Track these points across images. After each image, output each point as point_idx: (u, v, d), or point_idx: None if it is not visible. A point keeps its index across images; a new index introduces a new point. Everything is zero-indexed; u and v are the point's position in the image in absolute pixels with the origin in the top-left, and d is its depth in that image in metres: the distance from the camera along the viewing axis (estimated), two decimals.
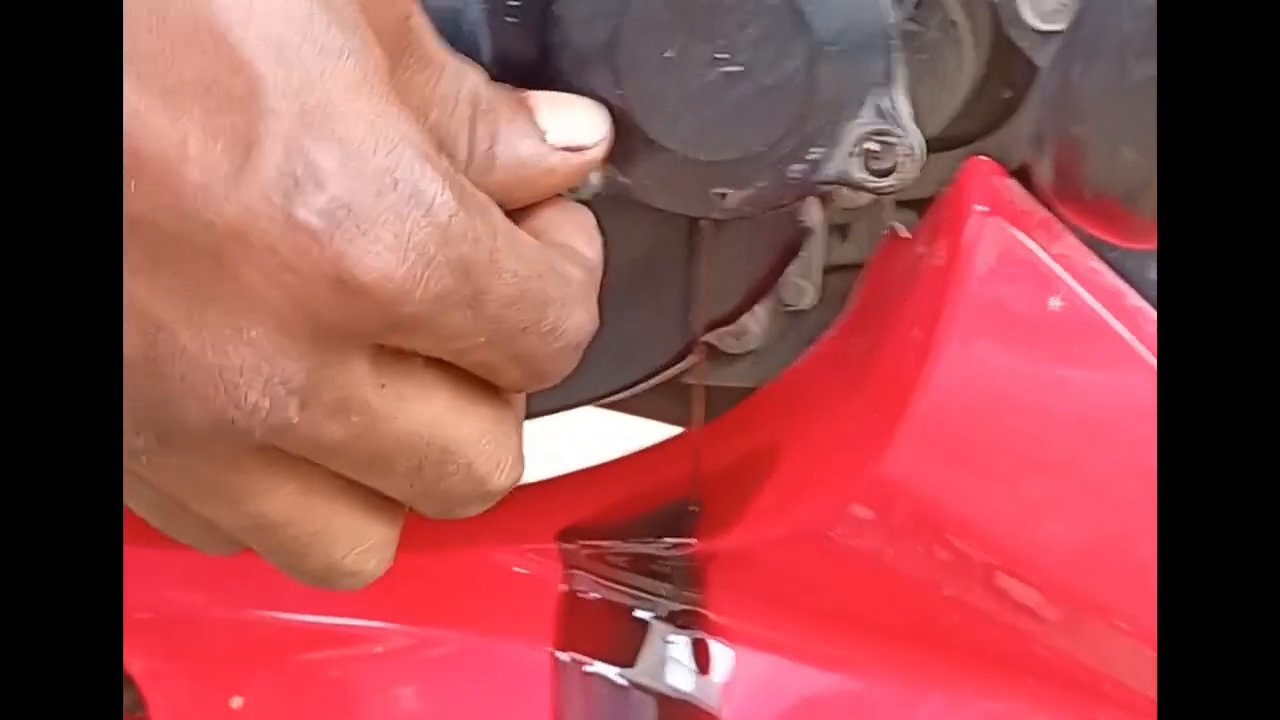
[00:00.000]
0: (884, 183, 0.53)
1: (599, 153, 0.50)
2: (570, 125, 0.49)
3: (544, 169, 0.48)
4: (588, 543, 0.61)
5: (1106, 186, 0.38)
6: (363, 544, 0.46)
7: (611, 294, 0.51)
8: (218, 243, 0.40)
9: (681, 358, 0.59)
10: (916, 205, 0.65)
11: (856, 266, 0.67)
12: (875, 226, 0.67)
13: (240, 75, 0.40)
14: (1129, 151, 0.37)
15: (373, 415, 0.43)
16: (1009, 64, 0.57)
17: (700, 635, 0.60)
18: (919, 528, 0.55)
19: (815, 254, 0.63)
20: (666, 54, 0.51)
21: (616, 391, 0.59)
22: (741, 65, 0.51)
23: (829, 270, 0.66)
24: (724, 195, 0.53)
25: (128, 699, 0.62)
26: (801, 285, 0.62)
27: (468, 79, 0.48)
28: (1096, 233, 0.42)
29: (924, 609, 0.57)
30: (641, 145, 0.52)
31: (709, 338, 0.60)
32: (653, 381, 0.59)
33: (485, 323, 0.43)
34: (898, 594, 0.57)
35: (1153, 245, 0.45)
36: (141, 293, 0.41)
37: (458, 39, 0.53)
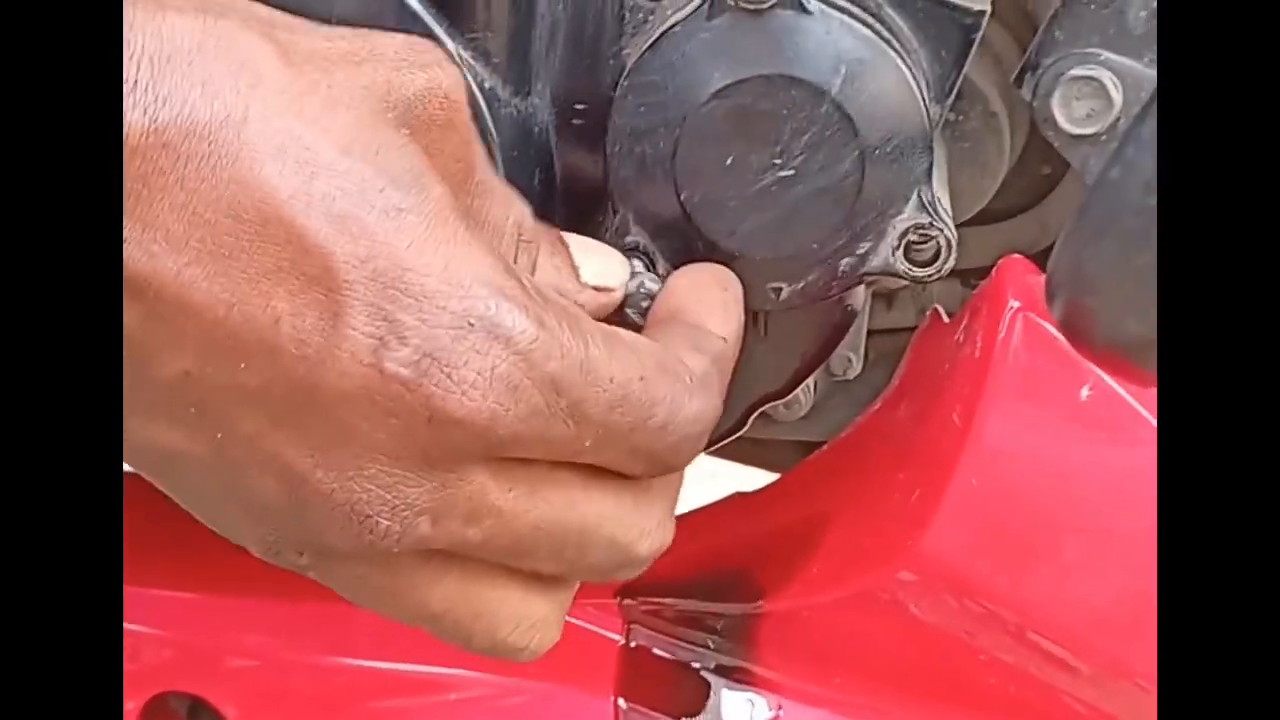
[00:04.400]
0: (925, 272, 0.56)
1: (619, 296, 0.54)
2: (600, 267, 0.53)
3: (575, 303, 0.51)
4: (646, 599, 0.65)
5: (1112, 345, 0.41)
6: (525, 622, 0.49)
7: None
8: (325, 402, 0.44)
9: (736, 430, 0.62)
10: (960, 274, 0.69)
11: (900, 330, 0.70)
12: (919, 294, 0.70)
13: (312, 256, 0.44)
14: (1132, 323, 0.40)
15: (504, 516, 0.47)
16: (1047, 144, 0.60)
17: (751, 689, 0.64)
18: (959, 593, 0.58)
19: (861, 326, 0.67)
20: (726, 161, 0.54)
21: None
22: (795, 170, 0.54)
23: (875, 333, 0.70)
24: (779, 290, 0.56)
25: None
26: (849, 357, 0.66)
27: (515, 208, 0.51)
28: (1106, 374, 0.46)
29: (963, 667, 0.61)
30: (700, 245, 0.56)
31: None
32: (709, 450, 0.63)
33: (590, 429, 0.46)
34: (938, 653, 0.61)
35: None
36: (275, 449, 0.45)
37: (528, 141, 0.57)
